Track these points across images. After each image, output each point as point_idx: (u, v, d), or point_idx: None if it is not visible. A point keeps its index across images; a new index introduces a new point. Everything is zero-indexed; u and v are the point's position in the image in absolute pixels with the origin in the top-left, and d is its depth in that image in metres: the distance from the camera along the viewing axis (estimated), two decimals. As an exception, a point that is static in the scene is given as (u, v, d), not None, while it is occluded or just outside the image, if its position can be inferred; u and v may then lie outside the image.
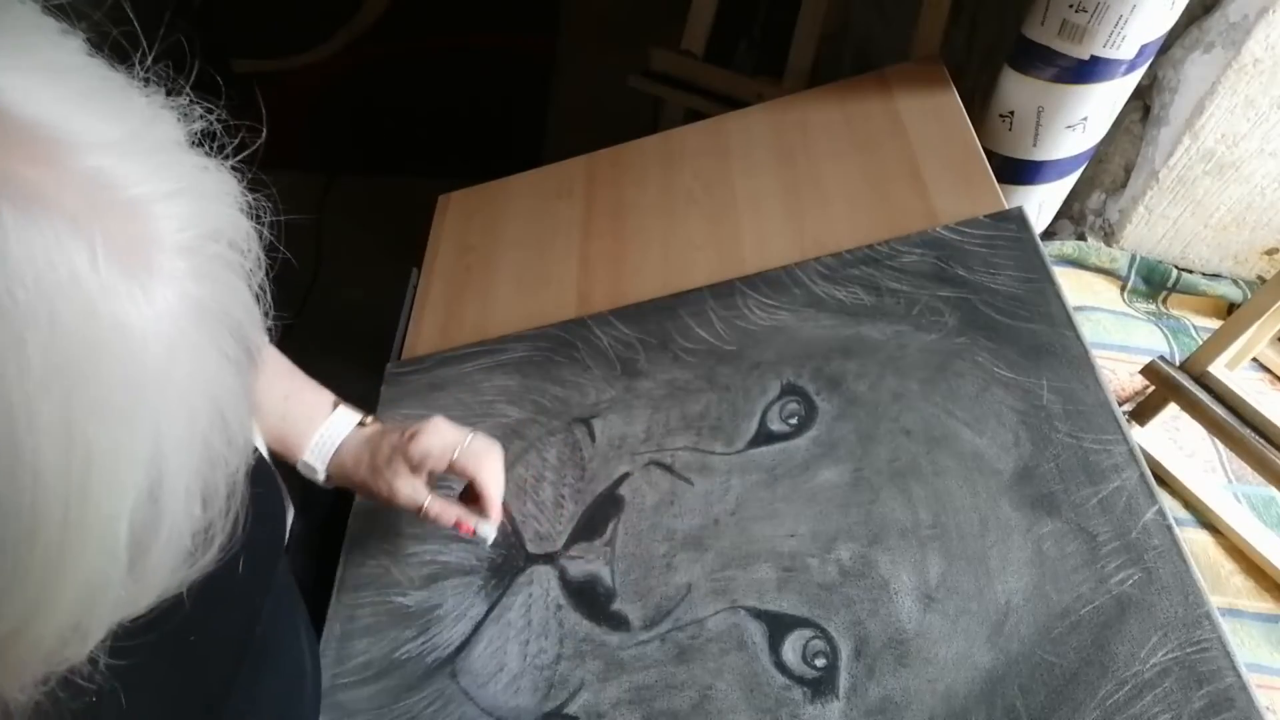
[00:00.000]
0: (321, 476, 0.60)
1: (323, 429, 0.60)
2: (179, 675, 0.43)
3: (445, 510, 0.59)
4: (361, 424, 0.61)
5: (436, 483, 0.61)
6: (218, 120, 0.30)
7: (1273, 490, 0.79)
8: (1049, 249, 0.97)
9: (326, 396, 0.62)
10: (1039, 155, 0.82)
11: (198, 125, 0.29)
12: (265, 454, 0.55)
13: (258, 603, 0.48)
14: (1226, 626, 0.50)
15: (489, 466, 0.59)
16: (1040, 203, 0.88)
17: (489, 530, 0.60)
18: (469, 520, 0.60)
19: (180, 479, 0.27)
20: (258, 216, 0.31)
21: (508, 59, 2.03)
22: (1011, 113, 0.81)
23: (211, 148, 0.29)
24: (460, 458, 0.58)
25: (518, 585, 0.62)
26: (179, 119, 0.29)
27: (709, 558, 0.60)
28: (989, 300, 0.66)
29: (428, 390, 0.77)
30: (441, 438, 0.58)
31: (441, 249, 0.91)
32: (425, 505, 0.59)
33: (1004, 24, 1.03)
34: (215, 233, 0.27)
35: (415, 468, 0.58)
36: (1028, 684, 0.51)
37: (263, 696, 0.50)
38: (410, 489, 0.59)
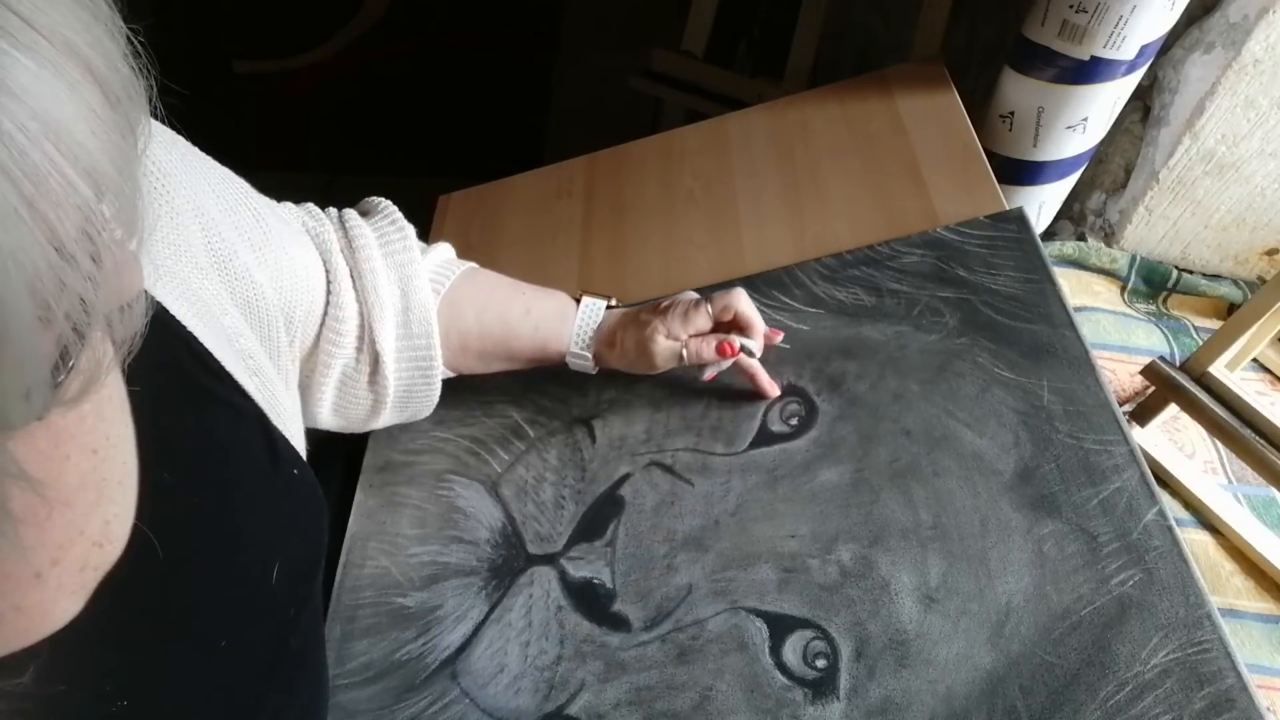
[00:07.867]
0: (591, 362, 0.66)
1: (577, 321, 0.65)
2: (207, 683, 0.42)
3: (704, 344, 0.63)
4: (609, 306, 0.66)
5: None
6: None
7: (1273, 491, 0.79)
8: (1049, 249, 0.97)
9: (563, 296, 0.66)
10: (1039, 156, 0.83)
11: None
12: (306, 459, 0.52)
13: (292, 614, 0.47)
14: (1227, 627, 0.50)
15: (740, 300, 0.63)
16: (1040, 203, 0.88)
17: (755, 344, 0.63)
18: (729, 341, 0.63)
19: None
20: None
21: (508, 59, 2.03)
22: (1011, 113, 0.81)
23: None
24: (715, 306, 0.63)
25: (518, 586, 0.62)
26: None
27: (709, 558, 0.60)
28: (989, 301, 0.66)
29: (428, 391, 0.76)
30: (687, 297, 0.64)
31: (441, 249, 0.91)
32: (683, 346, 0.62)
33: (1004, 24, 1.03)
34: None
35: (670, 335, 0.62)
36: (1028, 685, 0.51)
37: (288, 715, 0.48)
38: (668, 347, 0.63)
